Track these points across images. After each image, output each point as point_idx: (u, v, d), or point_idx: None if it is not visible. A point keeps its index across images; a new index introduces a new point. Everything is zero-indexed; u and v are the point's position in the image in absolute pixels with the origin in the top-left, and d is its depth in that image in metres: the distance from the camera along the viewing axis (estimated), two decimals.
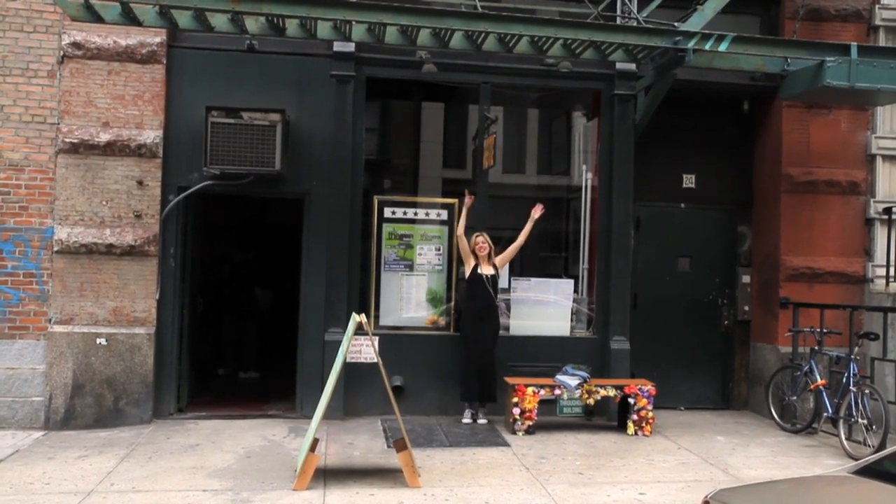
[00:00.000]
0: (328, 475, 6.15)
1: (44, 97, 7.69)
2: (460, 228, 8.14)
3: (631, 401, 7.87)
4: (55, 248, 7.65)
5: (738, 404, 9.36)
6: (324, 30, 7.29)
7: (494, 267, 8.11)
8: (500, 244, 8.34)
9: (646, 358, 8.82)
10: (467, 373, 8.03)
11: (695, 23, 7.62)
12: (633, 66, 8.45)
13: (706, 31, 7.38)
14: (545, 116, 10.93)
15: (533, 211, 8.21)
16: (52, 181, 7.69)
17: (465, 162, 10.26)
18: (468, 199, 8.13)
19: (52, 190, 7.69)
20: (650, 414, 7.87)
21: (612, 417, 8.32)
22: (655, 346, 9.03)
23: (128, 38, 7.74)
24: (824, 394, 7.90)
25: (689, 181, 9.37)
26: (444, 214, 8.72)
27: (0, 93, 7.60)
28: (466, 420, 8.06)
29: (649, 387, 7.90)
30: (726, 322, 9.37)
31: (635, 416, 7.85)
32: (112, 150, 7.74)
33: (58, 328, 7.64)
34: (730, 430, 8.26)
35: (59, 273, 7.67)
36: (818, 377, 8.03)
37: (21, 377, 7.57)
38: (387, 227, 8.59)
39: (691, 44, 7.31)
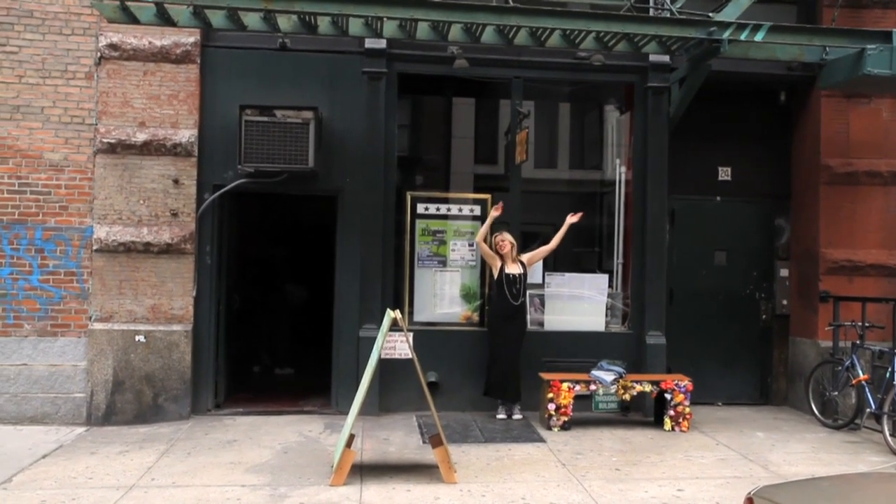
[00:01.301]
0: (364, 470, 6.18)
1: (82, 98, 7.81)
2: (480, 235, 8.14)
3: (667, 396, 7.79)
4: (94, 247, 7.77)
5: (777, 400, 9.23)
6: (355, 27, 7.31)
7: (522, 265, 8.07)
8: (538, 240, 8.30)
9: (682, 353, 8.73)
10: (491, 370, 8.04)
11: (730, 13, 7.50)
12: (666, 58, 8.36)
13: (741, 21, 7.27)
14: (577, 110, 10.86)
15: (569, 216, 8.16)
16: (91, 181, 7.81)
17: (496, 157, 10.23)
18: (496, 210, 8.03)
19: (91, 190, 7.82)
20: (687, 409, 7.79)
21: (648, 413, 8.25)
22: (692, 341, 8.94)
23: (162, 38, 7.83)
24: (867, 389, 7.75)
25: (724, 174, 9.24)
26: (477, 210, 8.70)
27: (40, 95, 7.74)
28: (501, 416, 8.05)
29: (686, 382, 7.81)
30: (764, 316, 9.23)
31: (672, 412, 7.77)
32: (148, 149, 7.84)
33: (98, 326, 7.76)
34: (769, 426, 8.15)
35: (98, 271, 7.79)
36: (860, 372, 7.88)
37: (63, 374, 7.71)
38: (420, 223, 8.60)
39: (726, 34, 7.21)
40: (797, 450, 7.23)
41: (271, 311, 10.80)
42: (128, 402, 7.74)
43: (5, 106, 7.69)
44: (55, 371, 7.71)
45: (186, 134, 7.90)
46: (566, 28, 7.21)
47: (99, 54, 7.80)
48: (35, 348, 7.71)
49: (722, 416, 8.56)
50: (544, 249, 8.24)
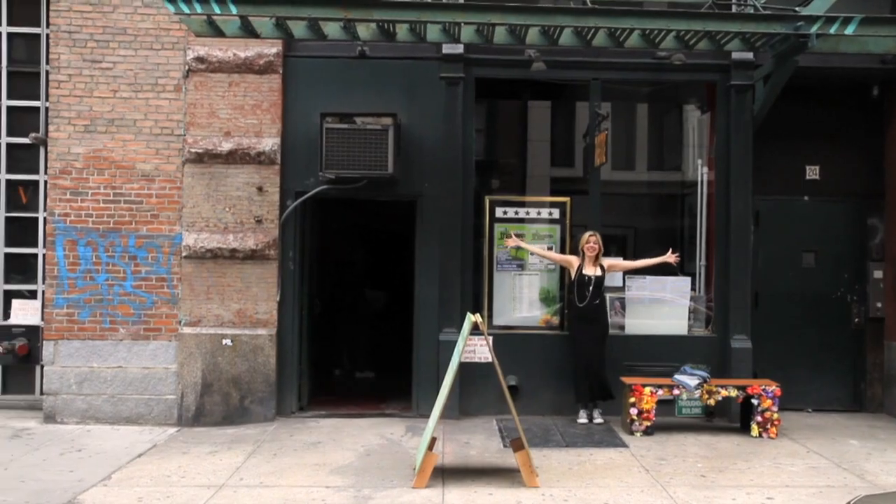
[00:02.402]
0: (446, 474, 6.21)
1: (171, 110, 8.10)
2: (537, 248, 8.23)
3: (754, 401, 7.57)
4: (183, 254, 8.04)
5: (871, 406, 8.85)
6: (433, 33, 7.36)
7: (601, 268, 7.98)
8: (616, 244, 8.19)
9: (769, 357, 8.47)
10: (578, 374, 7.99)
11: (818, 6, 7.26)
12: (750, 55, 8.14)
13: (830, 14, 7.01)
14: (657, 111, 10.67)
15: (669, 253, 8.03)
16: (180, 190, 8.10)
17: (573, 160, 10.15)
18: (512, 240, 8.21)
19: (180, 198, 8.10)
20: (775, 415, 7.55)
21: (733, 419, 8.04)
22: (779, 345, 8.66)
23: (246, 50, 8.06)
24: None
25: (812, 172, 8.93)
26: (556, 213, 8.66)
27: (133, 108, 8.06)
28: (582, 420, 7.97)
29: (774, 387, 7.58)
30: (856, 319, 8.87)
31: (759, 418, 7.55)
32: (233, 158, 8.07)
33: (187, 330, 8.03)
34: (864, 434, 7.82)
35: (187, 277, 8.06)
36: None
37: (155, 376, 8.01)
38: (498, 227, 8.59)
39: (814, 28, 6.96)
40: None
41: (351, 315, 10.96)
42: (216, 404, 7.97)
43: (101, 119, 8.04)
44: (148, 373, 8.01)
45: (270, 142, 8.10)
46: (646, 28, 7.10)
47: (187, 67, 8.08)
48: (129, 351, 8.03)
49: (812, 422, 8.26)
50: (628, 265, 8.23)
